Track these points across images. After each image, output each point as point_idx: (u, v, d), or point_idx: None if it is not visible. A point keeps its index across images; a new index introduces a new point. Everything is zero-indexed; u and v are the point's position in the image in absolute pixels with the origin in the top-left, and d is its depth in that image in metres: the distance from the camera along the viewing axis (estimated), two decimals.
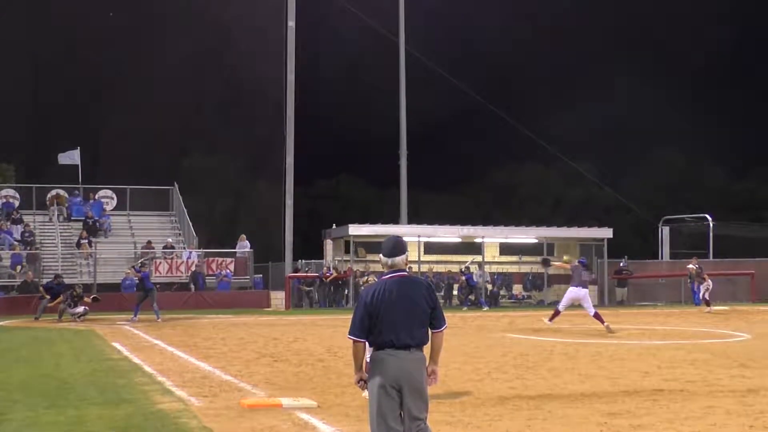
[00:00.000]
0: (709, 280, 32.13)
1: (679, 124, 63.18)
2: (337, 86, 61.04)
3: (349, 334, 7.11)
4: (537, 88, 65.45)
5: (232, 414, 10.78)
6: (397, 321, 6.94)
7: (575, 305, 24.26)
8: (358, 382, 7.29)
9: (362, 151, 58.81)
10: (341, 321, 26.44)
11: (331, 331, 23.79)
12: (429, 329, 7.14)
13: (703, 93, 63.83)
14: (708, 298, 31.95)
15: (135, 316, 28.63)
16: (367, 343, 7.12)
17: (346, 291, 37.76)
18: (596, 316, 23.06)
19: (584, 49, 66.70)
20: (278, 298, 37.44)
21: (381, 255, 7.23)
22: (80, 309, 29.06)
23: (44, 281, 33.62)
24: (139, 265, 32.16)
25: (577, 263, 23.99)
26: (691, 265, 32.96)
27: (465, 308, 36.31)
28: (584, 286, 23.27)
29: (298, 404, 11.31)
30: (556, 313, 24.05)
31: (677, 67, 66.79)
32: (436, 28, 54.33)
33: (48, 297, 30.51)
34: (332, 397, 12.05)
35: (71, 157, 42.92)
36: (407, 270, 7.26)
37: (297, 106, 41.18)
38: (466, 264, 38.16)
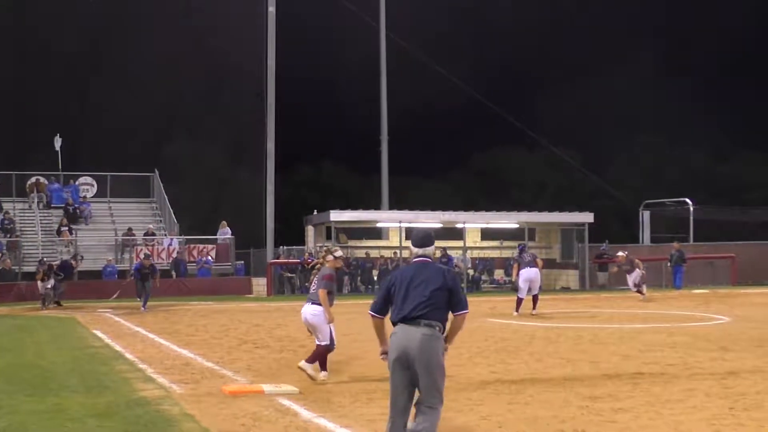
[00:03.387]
0: (640, 269, 29.81)
1: (661, 109, 63.42)
2: (319, 71, 60.87)
3: (369, 310, 7.71)
4: (520, 73, 65.41)
5: (214, 400, 10.77)
6: (409, 297, 7.35)
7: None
8: (381, 355, 7.80)
9: (344, 137, 58.69)
10: None
11: None
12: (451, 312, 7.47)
13: (685, 77, 64.04)
14: (639, 284, 29.70)
15: (144, 306, 27.82)
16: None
17: None
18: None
19: (567, 35, 66.88)
20: (260, 284, 37.39)
21: (410, 244, 7.79)
22: (50, 283, 29.17)
23: (24, 269, 33.56)
24: (144, 257, 30.87)
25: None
26: (620, 252, 31.57)
27: None
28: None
29: (280, 390, 11.31)
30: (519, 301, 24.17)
31: (661, 52, 66.97)
32: (418, 12, 54.16)
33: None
34: (314, 383, 12.04)
35: (57, 143, 42.67)
36: (432, 260, 7.66)
37: (278, 92, 41.03)
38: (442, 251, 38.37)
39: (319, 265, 12.72)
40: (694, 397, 10.68)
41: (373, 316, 7.68)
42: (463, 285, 37.91)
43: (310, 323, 12.36)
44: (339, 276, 37.47)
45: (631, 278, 29.52)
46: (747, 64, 66.42)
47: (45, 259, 32.91)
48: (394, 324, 7.42)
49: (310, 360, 12.17)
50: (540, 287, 24.47)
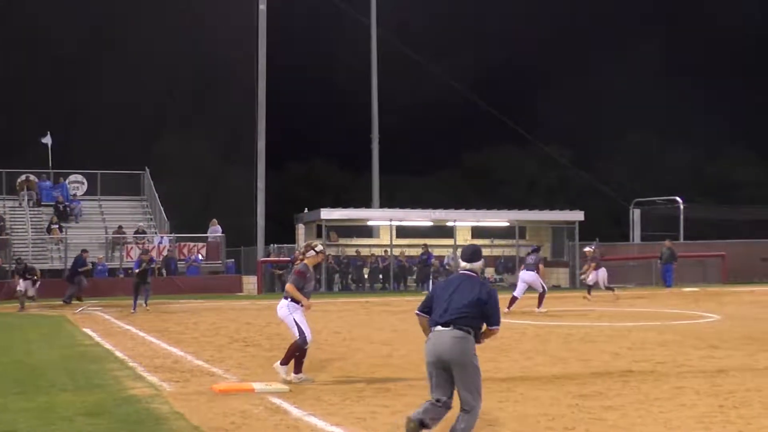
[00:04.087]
0: (603, 269, 29.14)
1: (652, 107, 63.55)
2: (310, 70, 60.82)
3: (416, 310, 8.42)
4: (512, 71, 65.42)
5: (204, 399, 10.76)
6: (445, 305, 7.98)
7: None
8: None
9: (335, 134, 58.64)
10: (314, 305, 26.39)
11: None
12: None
13: (676, 76, 64.15)
14: (591, 285, 28.75)
15: (146, 302, 26.88)
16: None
17: (318, 275, 37.69)
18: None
19: (559, 34, 66.89)
20: (251, 282, 37.36)
21: (460, 258, 8.57)
22: (22, 286, 28.71)
23: (14, 267, 33.39)
24: (142, 252, 29.60)
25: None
26: (588, 248, 31.15)
27: (425, 292, 36.43)
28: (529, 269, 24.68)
29: (270, 389, 11.30)
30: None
31: (652, 49, 67.02)
32: (409, 10, 54.16)
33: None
34: (304, 381, 12.03)
35: (45, 140, 42.52)
36: (478, 275, 8.35)
37: (269, 90, 40.97)
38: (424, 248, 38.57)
39: (298, 261, 12.63)
40: (684, 395, 10.71)
41: (418, 315, 8.37)
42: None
43: (279, 317, 12.26)
44: (329, 271, 37.66)
45: (600, 277, 29.07)
46: (737, 63, 66.62)
47: (21, 257, 32.86)
48: (431, 328, 8.01)
49: (284, 361, 11.94)
50: (544, 287, 24.62)
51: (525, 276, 24.66)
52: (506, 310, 23.55)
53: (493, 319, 8.10)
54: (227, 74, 53.58)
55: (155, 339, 18.05)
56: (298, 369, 11.98)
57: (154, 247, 36.74)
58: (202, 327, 20.73)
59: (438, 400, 7.91)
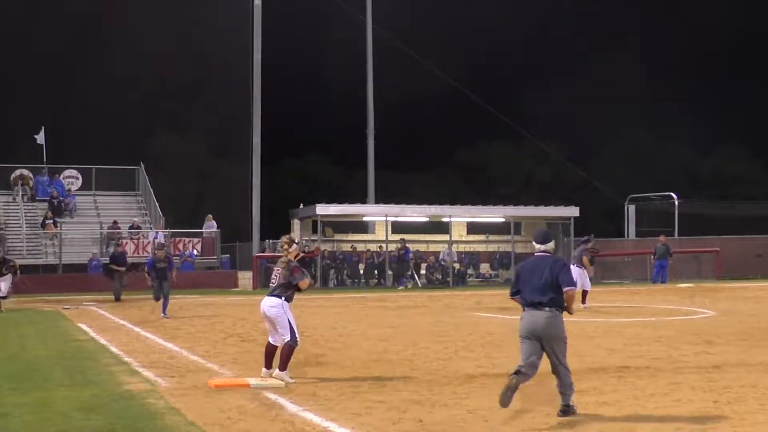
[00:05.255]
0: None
1: (647, 103, 63.62)
2: (305, 65, 60.82)
3: (510, 294, 9.78)
4: (507, 67, 65.51)
5: (200, 394, 10.75)
6: (530, 286, 9.36)
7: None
8: None
9: (331, 130, 58.61)
10: (309, 301, 26.43)
11: (299, 311, 23.71)
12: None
13: (671, 73, 64.30)
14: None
15: (165, 311, 22.34)
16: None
17: (314, 271, 37.67)
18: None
19: (553, 29, 66.95)
20: (246, 278, 37.32)
21: (534, 242, 9.80)
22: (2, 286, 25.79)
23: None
24: (157, 247, 25.66)
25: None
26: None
27: (401, 288, 36.41)
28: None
29: (266, 384, 11.30)
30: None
31: (647, 47, 67.18)
32: (404, 6, 54.11)
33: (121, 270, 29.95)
34: (300, 376, 12.02)
35: (39, 137, 42.44)
36: (551, 253, 9.62)
37: (263, 85, 40.90)
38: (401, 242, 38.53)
39: (286, 258, 12.16)
40: (679, 391, 10.72)
41: (513, 298, 9.69)
42: (448, 279, 38.13)
43: (267, 316, 11.87)
44: (324, 267, 37.65)
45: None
46: (731, 60, 66.74)
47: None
48: (523, 308, 9.41)
49: (282, 367, 11.65)
50: (585, 283, 23.80)
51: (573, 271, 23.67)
52: (582, 306, 22.95)
53: (566, 283, 9.34)
54: (222, 70, 53.56)
55: (151, 334, 18.04)
56: (283, 366, 11.69)
57: (148, 243, 36.60)
58: (198, 322, 20.71)
59: (528, 365, 9.23)
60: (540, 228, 10.15)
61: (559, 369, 9.34)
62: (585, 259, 24.44)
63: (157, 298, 22.91)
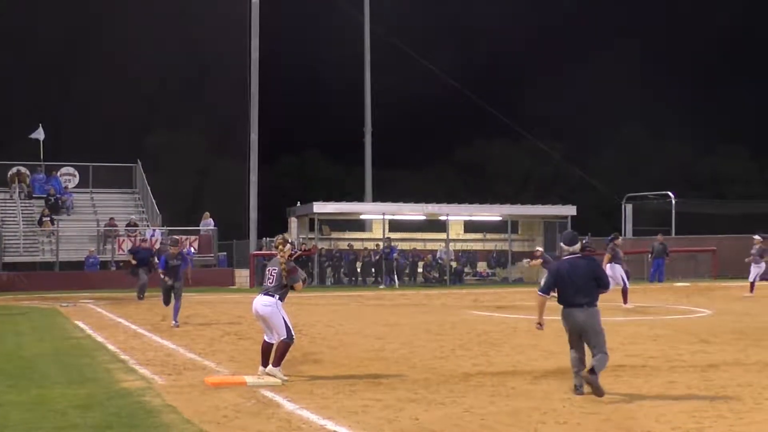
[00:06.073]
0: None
1: (644, 103, 63.59)
2: (303, 62, 60.74)
3: (539, 291, 10.79)
4: (504, 66, 65.39)
5: (196, 392, 10.76)
6: (572, 287, 10.30)
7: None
8: (537, 325, 10.84)
9: (328, 128, 58.55)
10: (306, 299, 26.44)
11: (296, 309, 23.75)
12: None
13: (668, 72, 64.26)
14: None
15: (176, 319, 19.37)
16: (547, 298, 10.70)
17: (311, 269, 37.67)
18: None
19: (552, 28, 66.91)
20: (243, 275, 37.33)
21: (562, 244, 10.75)
22: None
23: (5, 259, 33.20)
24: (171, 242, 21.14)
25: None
26: (539, 248, 29.23)
27: (382, 286, 36.33)
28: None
29: (263, 382, 11.30)
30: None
31: (645, 47, 67.12)
32: (402, 4, 54.06)
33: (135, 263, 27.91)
34: (296, 374, 12.03)
35: (37, 134, 42.39)
36: (581, 253, 10.59)
37: (261, 82, 40.87)
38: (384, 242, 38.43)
39: (282, 258, 12.12)
40: (676, 390, 10.74)
41: (541, 295, 10.67)
42: (445, 277, 38.13)
43: (261, 315, 11.80)
44: (321, 265, 37.63)
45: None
46: (728, 60, 66.70)
47: None
48: (565, 306, 10.37)
49: (276, 363, 11.60)
50: (621, 282, 23.56)
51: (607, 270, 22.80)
52: (624, 305, 22.97)
53: (603, 286, 10.50)
54: (220, 67, 53.48)
55: (147, 332, 18.03)
56: (277, 362, 11.65)
57: (145, 241, 36.49)
58: (195, 320, 20.67)
59: (578, 356, 10.38)
60: (567, 231, 11.06)
61: (597, 352, 10.24)
62: (606, 256, 23.70)
63: (167, 302, 20.13)
